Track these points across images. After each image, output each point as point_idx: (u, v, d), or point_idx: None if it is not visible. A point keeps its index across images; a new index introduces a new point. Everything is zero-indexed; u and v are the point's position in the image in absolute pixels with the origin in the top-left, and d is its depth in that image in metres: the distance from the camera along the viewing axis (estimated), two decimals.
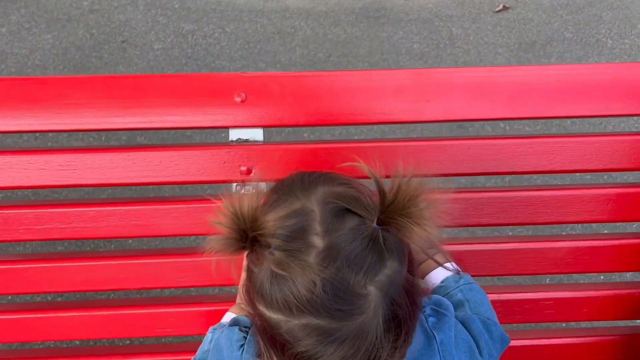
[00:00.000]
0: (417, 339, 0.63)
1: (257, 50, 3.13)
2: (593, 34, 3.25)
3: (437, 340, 0.65)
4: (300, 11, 3.44)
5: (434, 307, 0.69)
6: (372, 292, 0.53)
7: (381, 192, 0.53)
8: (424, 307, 0.68)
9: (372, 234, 0.53)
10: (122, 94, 0.75)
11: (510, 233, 1.57)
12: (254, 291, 0.56)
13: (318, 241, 0.53)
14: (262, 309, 0.55)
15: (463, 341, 0.67)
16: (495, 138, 0.78)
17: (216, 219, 0.52)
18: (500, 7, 3.53)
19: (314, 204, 0.55)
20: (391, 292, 0.54)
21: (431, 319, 0.67)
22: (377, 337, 0.53)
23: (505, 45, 3.13)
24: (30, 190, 0.81)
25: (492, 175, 0.87)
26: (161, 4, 3.57)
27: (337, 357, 0.52)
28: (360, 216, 0.54)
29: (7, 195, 1.74)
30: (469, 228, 0.83)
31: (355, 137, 2.36)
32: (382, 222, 0.53)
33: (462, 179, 1.83)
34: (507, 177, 1.75)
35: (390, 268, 0.54)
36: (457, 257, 0.81)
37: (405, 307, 0.55)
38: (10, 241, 0.81)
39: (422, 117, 0.75)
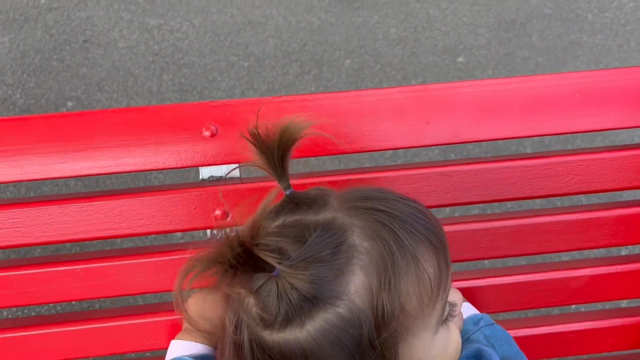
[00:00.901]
0: None
1: (227, 43, 2.99)
2: (572, 9, 3.18)
3: None
4: None
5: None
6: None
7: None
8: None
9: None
10: (68, 135, 0.63)
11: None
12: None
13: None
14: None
15: None
16: (504, 160, 0.68)
17: None
18: None
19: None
20: None
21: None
22: None
23: (485, 25, 3.04)
24: None
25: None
26: None
27: None
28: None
29: None
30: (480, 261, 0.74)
31: (352, 165, 2.25)
32: None
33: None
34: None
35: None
36: (468, 296, 0.72)
37: None
38: None
39: (424, 142, 0.65)
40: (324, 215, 0.52)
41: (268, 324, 0.50)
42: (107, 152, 0.63)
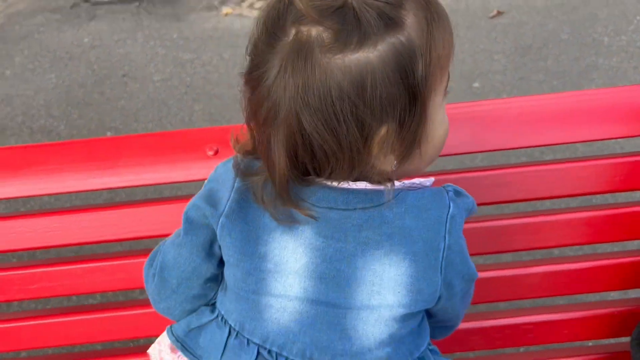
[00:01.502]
0: (429, 198, 0.62)
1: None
2: (589, 33, 3.26)
3: (450, 213, 0.63)
4: None
5: (457, 189, 0.67)
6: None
7: None
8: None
9: None
10: (100, 156, 0.79)
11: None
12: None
13: None
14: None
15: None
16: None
17: None
18: (495, 12, 3.55)
19: None
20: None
21: (451, 193, 0.65)
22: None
23: (501, 51, 3.14)
24: (22, 252, 0.85)
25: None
26: (160, 35, 3.65)
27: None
28: None
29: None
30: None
31: None
32: None
33: None
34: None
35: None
36: None
37: None
38: (6, 301, 0.86)
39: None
40: None
41: (341, 47, 0.54)
42: (131, 170, 0.78)
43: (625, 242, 0.85)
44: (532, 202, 0.85)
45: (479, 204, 0.82)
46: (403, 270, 0.61)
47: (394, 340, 0.63)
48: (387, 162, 0.60)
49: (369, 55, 0.54)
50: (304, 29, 0.55)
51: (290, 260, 0.62)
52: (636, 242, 0.86)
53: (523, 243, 0.82)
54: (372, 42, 0.54)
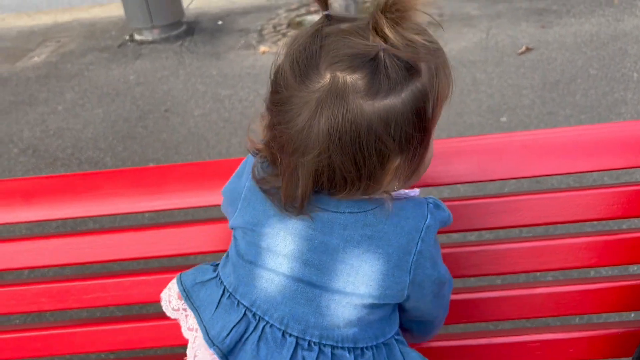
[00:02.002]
0: (409, 209, 0.70)
1: None
2: (618, 69, 3.29)
3: (426, 223, 0.70)
4: None
5: (435, 200, 0.74)
6: (327, 76, 0.62)
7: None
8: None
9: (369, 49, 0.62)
10: (148, 182, 0.90)
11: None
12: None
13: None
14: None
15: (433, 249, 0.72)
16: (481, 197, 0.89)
17: None
18: (524, 48, 3.62)
19: None
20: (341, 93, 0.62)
21: (431, 205, 0.72)
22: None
23: (529, 87, 3.20)
24: (78, 266, 0.97)
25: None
26: (200, 73, 3.85)
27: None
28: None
29: (57, 271, 1.94)
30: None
31: None
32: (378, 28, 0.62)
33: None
34: None
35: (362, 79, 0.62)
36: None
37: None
38: (63, 309, 0.97)
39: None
40: None
41: (373, 94, 0.62)
42: (175, 194, 0.89)
43: (627, 266, 0.90)
44: (536, 228, 0.91)
45: (486, 229, 0.90)
46: (376, 267, 0.70)
47: (361, 323, 0.72)
48: (393, 185, 0.69)
49: (395, 102, 0.63)
50: (340, 75, 0.62)
51: (280, 245, 0.71)
52: (637, 266, 0.91)
53: (528, 265, 0.89)
54: (399, 90, 0.63)
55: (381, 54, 0.62)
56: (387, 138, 0.63)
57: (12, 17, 5.55)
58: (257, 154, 0.74)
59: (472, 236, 1.65)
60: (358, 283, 0.70)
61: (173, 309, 0.81)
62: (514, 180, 2.39)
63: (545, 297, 0.90)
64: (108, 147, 3.13)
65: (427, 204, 0.72)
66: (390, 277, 0.70)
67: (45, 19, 5.34)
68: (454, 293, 0.95)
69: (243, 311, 0.73)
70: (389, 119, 0.62)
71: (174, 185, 0.90)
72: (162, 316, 0.84)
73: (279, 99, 0.66)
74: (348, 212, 0.69)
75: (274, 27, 4.29)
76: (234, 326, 0.73)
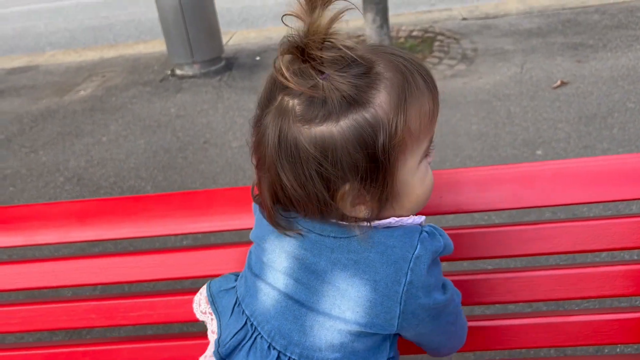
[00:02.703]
0: (397, 238, 0.69)
1: None
2: None
3: (415, 253, 0.68)
4: None
5: (434, 229, 0.73)
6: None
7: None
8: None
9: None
10: (195, 205, 0.96)
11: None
12: None
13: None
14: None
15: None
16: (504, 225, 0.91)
17: None
18: (559, 82, 3.62)
19: None
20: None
21: (424, 234, 0.70)
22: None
23: (565, 120, 3.19)
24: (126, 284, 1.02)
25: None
26: (238, 106, 3.97)
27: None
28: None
29: (105, 289, 2.01)
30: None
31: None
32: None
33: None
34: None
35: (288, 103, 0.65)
36: (475, 331, 0.93)
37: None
38: (114, 326, 1.01)
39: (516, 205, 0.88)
40: (356, 53, 0.66)
41: (309, 120, 0.64)
42: (221, 216, 0.94)
43: None
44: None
45: (521, 255, 0.91)
46: (363, 294, 0.69)
47: (344, 349, 0.72)
48: (358, 211, 0.69)
49: (332, 129, 0.63)
50: (287, 98, 0.66)
51: (277, 261, 0.75)
52: None
53: (563, 293, 0.89)
54: (335, 118, 0.63)
55: (322, 82, 0.63)
56: (326, 163, 0.64)
57: (61, 53, 5.85)
58: None
59: (511, 262, 1.64)
60: (344, 307, 0.70)
61: (201, 312, 0.86)
62: (548, 212, 2.37)
63: (581, 326, 0.90)
64: (149, 176, 3.23)
65: (420, 233, 0.70)
66: (379, 305, 0.69)
67: (91, 55, 5.60)
68: (487, 319, 0.97)
69: (244, 320, 0.77)
70: (325, 145, 0.64)
71: (220, 208, 0.94)
72: (205, 335, 0.88)
73: (256, 117, 0.71)
74: (332, 237, 0.71)
75: None
76: (236, 333, 0.77)
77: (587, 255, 1.96)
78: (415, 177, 0.71)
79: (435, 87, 0.70)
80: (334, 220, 0.70)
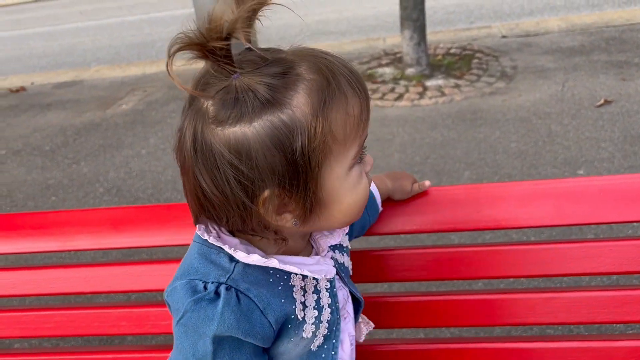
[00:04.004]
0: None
1: None
2: None
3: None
4: (399, 118, 3.68)
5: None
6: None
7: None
8: None
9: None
10: None
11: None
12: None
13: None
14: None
15: None
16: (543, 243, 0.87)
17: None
18: (602, 101, 3.52)
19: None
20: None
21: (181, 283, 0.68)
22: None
23: (608, 139, 3.09)
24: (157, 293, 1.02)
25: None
26: None
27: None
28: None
29: (139, 296, 2.03)
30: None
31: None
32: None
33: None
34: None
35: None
36: (511, 353, 0.89)
37: None
38: (144, 334, 1.01)
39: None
40: (278, 55, 0.63)
41: (221, 121, 0.61)
42: None
43: None
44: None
45: (558, 275, 0.87)
46: None
47: None
48: (284, 220, 0.66)
49: (245, 130, 0.60)
50: (202, 99, 0.63)
51: None
52: None
53: (608, 316, 0.85)
54: (248, 119, 0.60)
55: (234, 82, 0.61)
56: (242, 166, 0.61)
57: (106, 68, 6.03)
58: None
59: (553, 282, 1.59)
60: None
61: None
62: (591, 232, 2.29)
63: (626, 351, 0.85)
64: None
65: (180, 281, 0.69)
66: None
67: (134, 71, 5.76)
68: (528, 341, 0.93)
69: None
70: (239, 147, 0.61)
71: None
72: None
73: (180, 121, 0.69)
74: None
75: None
76: None
77: (632, 277, 1.88)
78: (345, 184, 0.67)
79: (364, 91, 0.67)
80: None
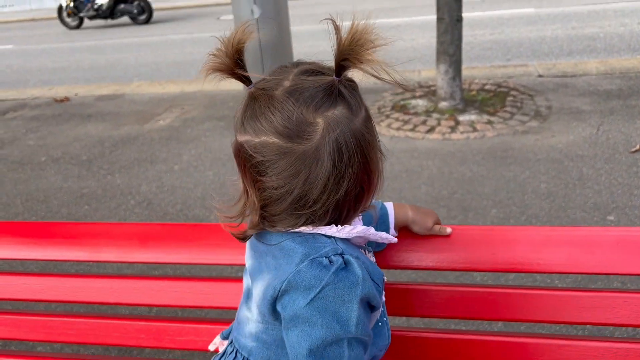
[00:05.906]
0: (286, 250, 0.74)
1: (384, 186, 3.37)
2: None
3: (289, 277, 0.71)
4: (429, 151, 3.69)
5: (323, 262, 0.72)
6: (320, 124, 0.68)
7: (337, 35, 0.69)
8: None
9: (329, 82, 0.70)
10: None
11: None
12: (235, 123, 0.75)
13: (286, 83, 0.71)
14: (237, 136, 0.73)
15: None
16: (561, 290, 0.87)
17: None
18: (638, 147, 3.47)
19: (293, 71, 0.74)
20: (338, 130, 0.68)
21: (307, 263, 0.72)
22: (318, 165, 0.68)
23: None
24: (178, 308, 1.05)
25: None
26: None
27: (281, 170, 0.69)
28: (322, 73, 0.72)
29: (160, 310, 2.07)
30: None
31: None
32: (338, 69, 0.70)
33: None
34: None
35: (340, 111, 0.69)
36: None
37: (352, 153, 0.69)
38: (162, 348, 1.05)
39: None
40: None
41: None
42: None
43: None
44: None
45: (581, 323, 0.87)
46: (259, 292, 0.76)
47: (258, 340, 0.79)
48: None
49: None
50: (332, 109, 0.72)
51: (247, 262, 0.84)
52: None
53: None
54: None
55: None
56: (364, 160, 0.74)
57: (146, 84, 6.22)
58: None
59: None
60: (254, 302, 0.78)
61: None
62: (617, 281, 2.24)
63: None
64: (213, 207, 3.31)
65: (302, 258, 0.74)
66: (262, 303, 0.75)
67: (173, 88, 5.92)
68: None
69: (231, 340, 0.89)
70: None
71: None
72: None
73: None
74: (262, 243, 0.79)
75: (379, 109, 4.45)
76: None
77: None
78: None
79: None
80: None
